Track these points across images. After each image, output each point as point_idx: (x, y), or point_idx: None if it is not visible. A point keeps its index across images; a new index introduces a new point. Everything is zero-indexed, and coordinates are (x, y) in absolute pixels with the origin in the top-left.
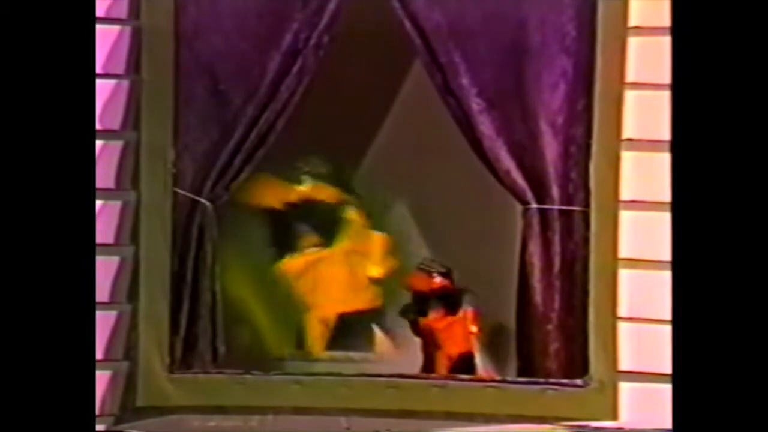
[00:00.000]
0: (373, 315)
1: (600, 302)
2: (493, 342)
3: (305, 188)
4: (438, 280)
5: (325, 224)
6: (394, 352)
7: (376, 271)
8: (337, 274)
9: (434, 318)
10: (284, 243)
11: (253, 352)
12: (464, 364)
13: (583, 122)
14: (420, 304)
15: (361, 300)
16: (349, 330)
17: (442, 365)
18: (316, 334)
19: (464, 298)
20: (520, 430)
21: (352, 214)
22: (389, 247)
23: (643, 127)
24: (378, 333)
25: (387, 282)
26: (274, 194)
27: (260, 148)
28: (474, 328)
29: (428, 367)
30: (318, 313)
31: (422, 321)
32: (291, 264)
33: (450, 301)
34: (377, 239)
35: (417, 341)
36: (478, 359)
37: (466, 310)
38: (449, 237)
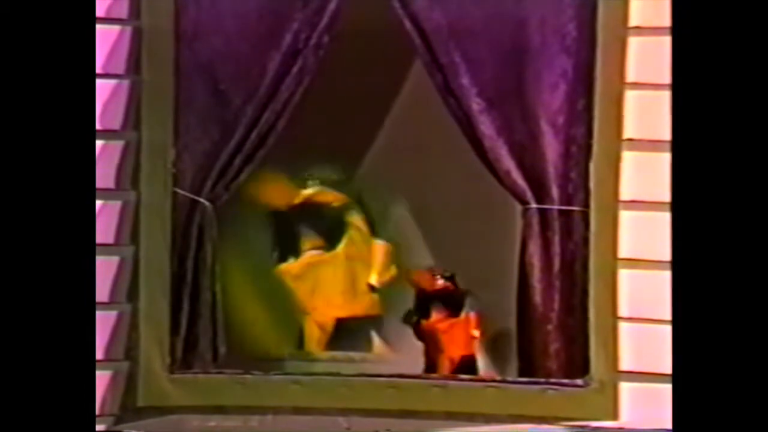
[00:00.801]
0: (372, 322)
1: (600, 302)
2: (494, 344)
3: (310, 191)
4: (441, 282)
5: (328, 227)
6: (392, 355)
7: (375, 278)
8: (336, 279)
9: (437, 319)
10: (286, 244)
11: (253, 352)
12: (466, 367)
13: (583, 122)
14: (423, 304)
15: (360, 306)
16: (347, 335)
17: (444, 368)
18: (313, 338)
19: (467, 300)
20: (520, 430)
21: (355, 219)
22: (390, 256)
23: (643, 127)
24: (376, 340)
25: (386, 290)
26: (280, 195)
27: (260, 148)
28: (476, 333)
29: (430, 370)
30: (316, 316)
31: (424, 323)
32: (291, 266)
33: (452, 302)
34: (379, 247)
35: (419, 345)
36: (480, 363)
37: (469, 314)
38: (449, 237)
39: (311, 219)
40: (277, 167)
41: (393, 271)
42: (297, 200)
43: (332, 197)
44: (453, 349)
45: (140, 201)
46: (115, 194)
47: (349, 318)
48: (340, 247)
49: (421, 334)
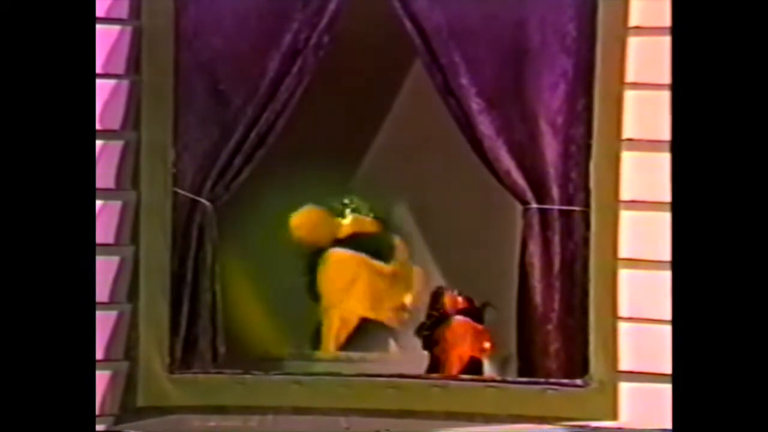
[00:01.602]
0: (392, 331)
1: (600, 302)
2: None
3: (348, 222)
4: (461, 300)
5: (376, 252)
6: (392, 356)
7: (410, 300)
8: (376, 284)
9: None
10: None
11: (253, 352)
12: (472, 369)
13: (583, 122)
14: (439, 323)
15: (386, 316)
16: (365, 335)
17: (453, 364)
18: (332, 331)
19: (485, 314)
20: (520, 431)
21: (398, 241)
22: (427, 283)
23: (643, 127)
24: (393, 347)
25: (413, 312)
26: (323, 231)
27: (260, 148)
28: (487, 345)
29: (435, 366)
30: (341, 311)
31: (436, 331)
32: (341, 255)
33: (471, 316)
34: (419, 272)
35: (420, 346)
36: (486, 368)
37: (484, 326)
38: (449, 237)
39: (357, 248)
40: (316, 201)
41: (426, 298)
42: (340, 234)
43: (369, 224)
44: (462, 346)
45: (140, 201)
46: (115, 194)
47: (372, 321)
48: (391, 265)
49: (430, 343)
